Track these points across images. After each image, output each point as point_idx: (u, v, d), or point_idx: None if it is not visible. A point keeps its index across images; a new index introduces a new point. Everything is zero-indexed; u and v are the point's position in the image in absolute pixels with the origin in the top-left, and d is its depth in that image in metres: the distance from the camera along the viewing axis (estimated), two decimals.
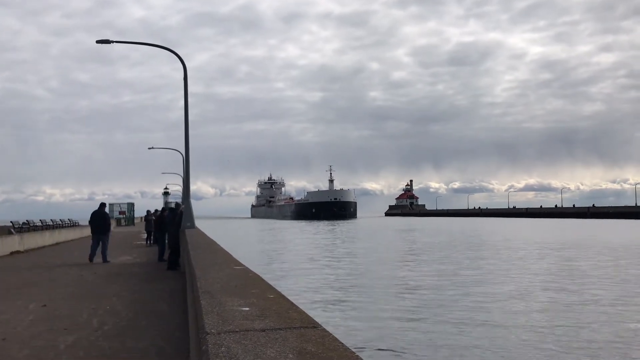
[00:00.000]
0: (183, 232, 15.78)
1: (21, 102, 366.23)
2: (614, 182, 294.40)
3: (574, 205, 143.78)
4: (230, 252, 8.85)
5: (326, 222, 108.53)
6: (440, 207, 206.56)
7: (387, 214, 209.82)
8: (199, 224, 19.30)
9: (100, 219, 18.72)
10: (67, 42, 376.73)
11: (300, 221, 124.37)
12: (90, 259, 18.03)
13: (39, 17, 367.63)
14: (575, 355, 10.78)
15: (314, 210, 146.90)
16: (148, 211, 29.52)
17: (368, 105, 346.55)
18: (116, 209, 67.29)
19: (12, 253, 21.75)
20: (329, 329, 3.05)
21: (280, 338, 2.57)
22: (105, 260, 17.98)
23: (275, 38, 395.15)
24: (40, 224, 43.74)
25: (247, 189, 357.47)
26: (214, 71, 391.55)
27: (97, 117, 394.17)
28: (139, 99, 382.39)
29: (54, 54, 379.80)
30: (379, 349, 11.29)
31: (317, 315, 13.53)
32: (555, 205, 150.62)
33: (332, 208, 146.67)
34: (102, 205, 19.75)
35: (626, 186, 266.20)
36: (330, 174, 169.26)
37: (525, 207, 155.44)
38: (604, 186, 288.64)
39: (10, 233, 27.63)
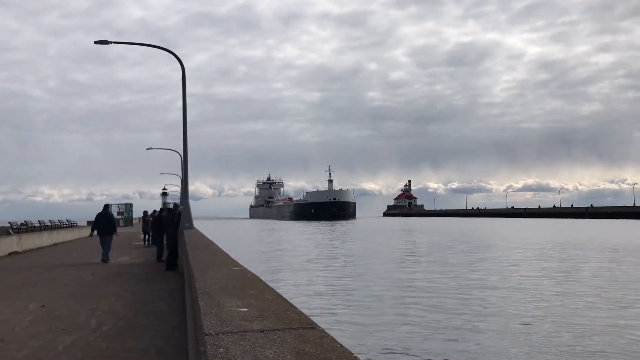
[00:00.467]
0: (181, 232, 15.78)
1: (19, 102, 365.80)
2: (612, 182, 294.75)
3: (572, 205, 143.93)
4: (228, 253, 8.85)
5: (325, 223, 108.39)
6: (438, 208, 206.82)
7: (385, 214, 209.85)
8: (197, 224, 19.30)
9: (104, 220, 18.79)
10: (66, 42, 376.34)
11: (299, 222, 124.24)
12: (103, 260, 18.05)
13: (37, 17, 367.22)
14: (575, 356, 10.80)
15: (313, 211, 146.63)
16: (145, 212, 29.48)
17: (366, 105, 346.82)
18: (114, 210, 67.20)
19: (10, 254, 21.72)
20: (328, 330, 3.06)
21: (279, 339, 2.58)
22: (105, 260, 18.02)
23: (273, 38, 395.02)
24: (38, 224, 43.69)
25: (246, 190, 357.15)
26: (212, 71, 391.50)
27: (96, 118, 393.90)
28: (137, 100, 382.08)
29: (52, 54, 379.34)
30: (378, 350, 11.29)
31: (316, 316, 13.54)
32: (554, 206, 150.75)
33: (331, 208, 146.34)
34: (106, 206, 19.95)
35: (624, 186, 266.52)
36: (329, 174, 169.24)
37: (524, 207, 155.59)
38: (602, 186, 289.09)
39: (8, 234, 27.61)
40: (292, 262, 29.63)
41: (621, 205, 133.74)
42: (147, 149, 55.03)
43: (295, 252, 37.52)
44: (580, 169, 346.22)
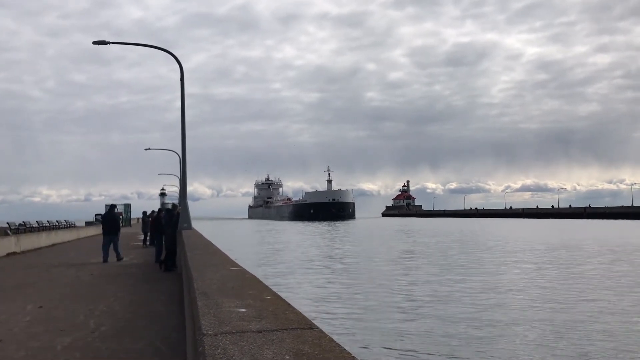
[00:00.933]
0: (180, 233, 15.77)
1: (17, 102, 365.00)
2: (610, 182, 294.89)
3: (570, 205, 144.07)
4: (227, 253, 8.85)
5: (324, 223, 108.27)
6: (437, 208, 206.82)
7: (384, 215, 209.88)
8: (195, 225, 19.29)
9: (110, 220, 19.56)
10: (64, 42, 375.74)
11: (298, 222, 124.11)
12: (104, 259, 18.48)
13: (35, 18, 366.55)
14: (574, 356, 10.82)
15: (312, 211, 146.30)
16: (144, 212, 29.46)
17: (365, 105, 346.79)
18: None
19: (8, 254, 21.70)
20: (326, 330, 3.06)
21: (277, 339, 2.58)
22: (119, 258, 18.76)
23: (272, 39, 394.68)
24: (36, 225, 43.64)
25: (244, 190, 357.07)
26: (211, 72, 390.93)
27: (94, 118, 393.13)
28: (135, 100, 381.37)
29: (50, 55, 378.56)
30: (376, 350, 11.30)
31: (314, 316, 13.55)
32: (552, 206, 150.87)
33: (330, 209, 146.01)
34: (112, 207, 20.62)
35: (622, 186, 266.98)
36: (329, 174, 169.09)
37: (522, 207, 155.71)
38: (600, 187, 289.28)
39: (6, 234, 27.57)
40: (291, 263, 29.62)
41: (619, 205, 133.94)
42: (146, 149, 54.90)
43: (294, 252, 37.52)
44: (579, 169, 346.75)
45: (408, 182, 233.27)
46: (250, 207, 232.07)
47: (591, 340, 11.89)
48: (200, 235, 15.57)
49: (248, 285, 4.55)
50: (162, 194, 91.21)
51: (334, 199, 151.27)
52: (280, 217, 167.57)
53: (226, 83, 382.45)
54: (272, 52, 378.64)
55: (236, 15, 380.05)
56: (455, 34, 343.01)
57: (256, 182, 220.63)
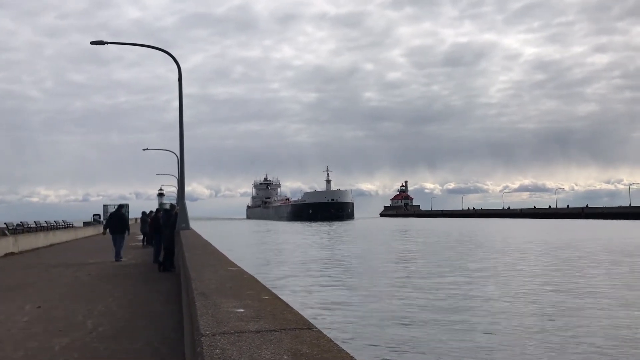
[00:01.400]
0: (178, 233, 15.77)
1: (16, 102, 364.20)
2: (608, 182, 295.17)
3: (568, 205, 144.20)
4: (225, 254, 8.85)
5: (323, 223, 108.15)
6: (435, 208, 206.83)
7: (382, 215, 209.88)
8: (193, 225, 19.28)
9: (117, 219, 19.76)
10: (62, 42, 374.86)
11: (297, 222, 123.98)
12: (117, 258, 18.88)
13: (34, 18, 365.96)
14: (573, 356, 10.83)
15: (310, 211, 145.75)
16: (144, 212, 29.39)
17: (363, 105, 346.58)
18: (111, 210, 66.99)
19: (6, 254, 21.68)
20: (324, 330, 3.06)
21: (275, 339, 2.58)
22: (118, 258, 18.87)
23: (270, 39, 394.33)
24: (34, 225, 43.58)
25: (242, 190, 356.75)
26: (209, 72, 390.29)
27: (92, 118, 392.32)
28: (134, 100, 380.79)
29: (49, 55, 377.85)
30: (375, 350, 11.31)
31: (312, 316, 13.55)
32: (549, 206, 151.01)
33: (329, 209, 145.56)
34: (120, 207, 20.84)
35: (620, 187, 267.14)
36: (327, 174, 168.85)
37: (520, 207, 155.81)
38: (598, 187, 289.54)
39: (4, 234, 27.51)
40: (289, 263, 29.62)
41: (617, 205, 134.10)
42: (144, 149, 54.82)
43: (293, 253, 37.52)
44: (577, 169, 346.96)
45: (406, 182, 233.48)
46: (248, 207, 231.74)
47: (592, 341, 11.92)
48: (199, 236, 15.56)
49: (246, 286, 4.55)
50: (160, 194, 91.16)
51: (332, 199, 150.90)
52: (278, 218, 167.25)
53: (224, 83, 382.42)
54: (270, 52, 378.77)
55: (234, 16, 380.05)
56: (453, 34, 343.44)
57: (254, 182, 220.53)
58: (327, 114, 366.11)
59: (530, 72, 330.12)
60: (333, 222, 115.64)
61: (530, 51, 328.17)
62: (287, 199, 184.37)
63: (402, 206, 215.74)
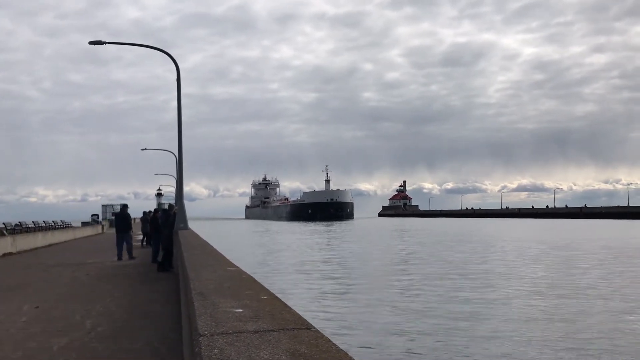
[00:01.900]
0: (176, 233, 15.76)
1: (14, 102, 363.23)
2: (606, 182, 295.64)
3: (566, 205, 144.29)
4: (223, 254, 8.84)
5: (323, 223, 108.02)
6: (433, 208, 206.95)
7: (380, 215, 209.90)
8: (192, 225, 19.28)
9: (121, 219, 20.16)
10: (61, 42, 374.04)
11: (296, 222, 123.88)
12: (119, 257, 19.19)
13: (32, 18, 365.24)
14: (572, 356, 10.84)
15: (310, 211, 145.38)
16: (144, 212, 29.30)
17: (362, 105, 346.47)
18: (109, 210, 67.01)
19: (4, 255, 21.64)
20: (323, 330, 3.06)
21: (274, 340, 2.58)
22: (130, 256, 19.21)
23: (269, 39, 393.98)
24: (32, 225, 43.49)
25: (241, 190, 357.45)
26: (208, 72, 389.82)
27: (91, 118, 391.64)
28: (133, 100, 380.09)
29: (47, 55, 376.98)
30: (373, 351, 11.30)
31: (311, 316, 13.54)
32: (547, 206, 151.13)
33: (328, 209, 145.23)
34: (125, 206, 21.12)
35: (619, 186, 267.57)
36: (327, 174, 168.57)
37: (518, 207, 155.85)
38: (596, 186, 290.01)
39: (2, 234, 27.46)
40: (288, 263, 29.61)
41: (615, 205, 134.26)
42: (142, 149, 54.83)
43: (293, 253, 37.51)
44: (575, 169, 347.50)
45: (405, 182, 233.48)
46: (247, 207, 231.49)
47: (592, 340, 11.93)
48: (197, 236, 15.56)
49: (245, 286, 4.54)
50: (159, 194, 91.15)
51: (332, 199, 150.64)
52: (277, 218, 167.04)
53: (223, 83, 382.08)
54: (269, 52, 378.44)
55: (233, 16, 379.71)
56: (452, 34, 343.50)
57: (253, 182, 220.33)
58: (326, 114, 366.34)
59: (529, 72, 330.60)
60: (332, 222, 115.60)
61: (528, 51, 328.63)
62: (286, 199, 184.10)
63: (400, 206, 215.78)
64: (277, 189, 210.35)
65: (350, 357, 2.34)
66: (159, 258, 16.11)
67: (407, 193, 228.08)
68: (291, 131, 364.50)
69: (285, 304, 3.55)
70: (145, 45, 22.50)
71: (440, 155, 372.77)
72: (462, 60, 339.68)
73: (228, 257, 8.08)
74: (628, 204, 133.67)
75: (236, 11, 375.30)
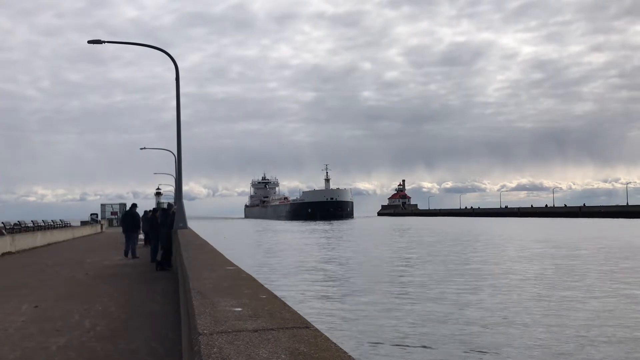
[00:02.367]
0: (175, 232, 15.77)
1: (12, 102, 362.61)
2: (605, 181, 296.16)
3: (565, 204, 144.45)
4: (222, 253, 8.84)
5: (323, 223, 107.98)
6: (432, 207, 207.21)
7: (379, 214, 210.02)
8: (191, 224, 19.28)
9: (129, 218, 20.40)
10: (59, 42, 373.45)
11: (295, 221, 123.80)
12: (125, 254, 19.59)
13: (30, 17, 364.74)
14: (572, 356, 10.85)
15: (309, 210, 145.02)
16: (145, 211, 29.24)
17: (361, 105, 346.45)
18: (108, 210, 67.02)
19: (3, 254, 21.63)
20: (322, 329, 3.06)
21: (273, 338, 2.58)
22: (134, 256, 19.37)
23: (267, 38, 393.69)
24: (31, 224, 43.47)
25: (240, 189, 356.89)
26: (206, 71, 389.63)
27: (89, 118, 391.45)
28: (131, 99, 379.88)
29: (45, 54, 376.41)
30: (372, 349, 11.31)
31: (310, 315, 13.54)
32: (546, 205, 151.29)
33: (328, 208, 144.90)
34: (133, 206, 21.28)
35: (617, 185, 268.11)
36: (327, 173, 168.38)
37: (517, 206, 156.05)
38: (595, 186, 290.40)
39: (1, 234, 27.45)
40: (287, 262, 29.61)
41: (614, 204, 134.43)
42: (141, 148, 54.79)
43: (293, 252, 37.51)
44: (574, 168, 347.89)
45: (404, 181, 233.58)
46: (246, 206, 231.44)
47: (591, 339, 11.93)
48: (196, 235, 15.56)
49: (244, 285, 4.54)
50: (158, 194, 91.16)
51: (332, 198, 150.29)
52: (277, 217, 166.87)
53: (222, 82, 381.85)
54: (267, 51, 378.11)
55: (232, 15, 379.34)
56: (450, 33, 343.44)
57: (252, 181, 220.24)
58: (325, 113, 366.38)
59: (528, 71, 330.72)
60: (332, 221, 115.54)
61: (527, 50, 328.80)
62: (286, 198, 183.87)
63: (399, 205, 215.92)
64: (277, 188, 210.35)
65: (350, 356, 2.34)
66: (158, 257, 16.12)
67: (406, 192, 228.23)
68: (290, 130, 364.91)
69: (285, 303, 3.55)
70: (144, 44, 22.48)
71: (439, 154, 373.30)
72: (460, 59, 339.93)
73: (227, 256, 8.08)
74: (627, 202, 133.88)
75: (234, 10, 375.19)
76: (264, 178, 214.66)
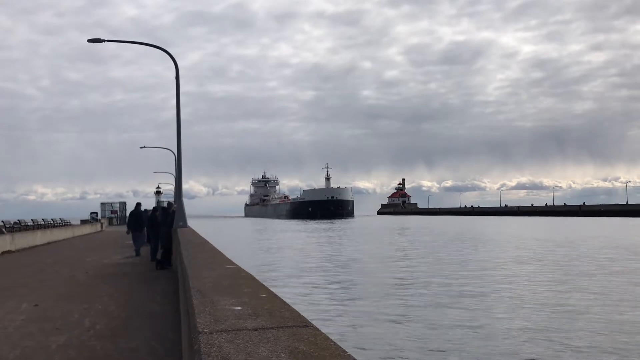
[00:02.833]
0: (175, 231, 15.77)
1: (12, 101, 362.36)
2: (605, 180, 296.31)
3: (565, 203, 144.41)
4: (222, 252, 8.84)
5: (323, 221, 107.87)
6: (432, 206, 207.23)
7: (379, 213, 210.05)
8: (191, 223, 19.29)
9: (135, 217, 20.75)
10: (59, 41, 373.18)
11: (296, 220, 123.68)
12: (137, 253, 19.79)
13: (30, 16, 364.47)
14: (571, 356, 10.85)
15: (310, 209, 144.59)
16: (146, 210, 29.25)
17: (360, 104, 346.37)
18: (108, 208, 67.00)
19: (3, 253, 21.63)
20: (321, 328, 3.06)
21: (272, 337, 2.58)
22: (137, 254, 19.61)
23: (267, 37, 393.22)
24: (31, 223, 43.45)
25: (240, 188, 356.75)
26: (206, 70, 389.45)
27: (89, 116, 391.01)
28: (131, 98, 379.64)
29: (45, 53, 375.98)
30: (372, 349, 11.31)
31: (310, 314, 13.55)
32: (546, 204, 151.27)
33: (329, 207, 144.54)
34: (138, 205, 21.55)
35: (617, 184, 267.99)
36: (327, 171, 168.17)
37: (517, 205, 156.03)
38: (595, 184, 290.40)
39: (1, 233, 27.45)
40: (287, 261, 29.61)
41: (614, 203, 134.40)
42: (141, 147, 54.78)
43: (293, 252, 37.51)
44: (574, 167, 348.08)
45: (403, 180, 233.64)
46: (246, 205, 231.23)
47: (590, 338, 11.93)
48: (196, 234, 15.57)
49: (244, 284, 4.54)
50: (158, 192, 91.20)
51: (332, 197, 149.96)
52: (277, 216, 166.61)
53: (221, 81, 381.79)
54: (267, 50, 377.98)
55: (231, 14, 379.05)
56: (450, 32, 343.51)
57: (252, 179, 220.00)
58: (325, 112, 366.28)
59: (528, 70, 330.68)
60: (333, 220, 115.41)
61: (527, 49, 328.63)
62: (286, 197, 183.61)
63: (399, 204, 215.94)
64: (277, 187, 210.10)
65: (349, 355, 2.34)
66: (158, 256, 16.12)
67: (406, 191, 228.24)
68: (289, 129, 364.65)
69: (284, 302, 3.55)
70: (144, 43, 22.49)
71: (439, 153, 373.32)
72: (460, 58, 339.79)
73: (227, 255, 8.08)
74: (627, 201, 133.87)
75: (234, 9, 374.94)
76: (264, 177, 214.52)
